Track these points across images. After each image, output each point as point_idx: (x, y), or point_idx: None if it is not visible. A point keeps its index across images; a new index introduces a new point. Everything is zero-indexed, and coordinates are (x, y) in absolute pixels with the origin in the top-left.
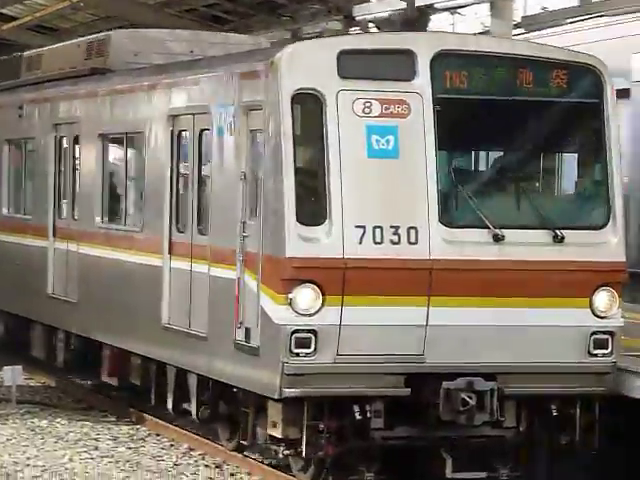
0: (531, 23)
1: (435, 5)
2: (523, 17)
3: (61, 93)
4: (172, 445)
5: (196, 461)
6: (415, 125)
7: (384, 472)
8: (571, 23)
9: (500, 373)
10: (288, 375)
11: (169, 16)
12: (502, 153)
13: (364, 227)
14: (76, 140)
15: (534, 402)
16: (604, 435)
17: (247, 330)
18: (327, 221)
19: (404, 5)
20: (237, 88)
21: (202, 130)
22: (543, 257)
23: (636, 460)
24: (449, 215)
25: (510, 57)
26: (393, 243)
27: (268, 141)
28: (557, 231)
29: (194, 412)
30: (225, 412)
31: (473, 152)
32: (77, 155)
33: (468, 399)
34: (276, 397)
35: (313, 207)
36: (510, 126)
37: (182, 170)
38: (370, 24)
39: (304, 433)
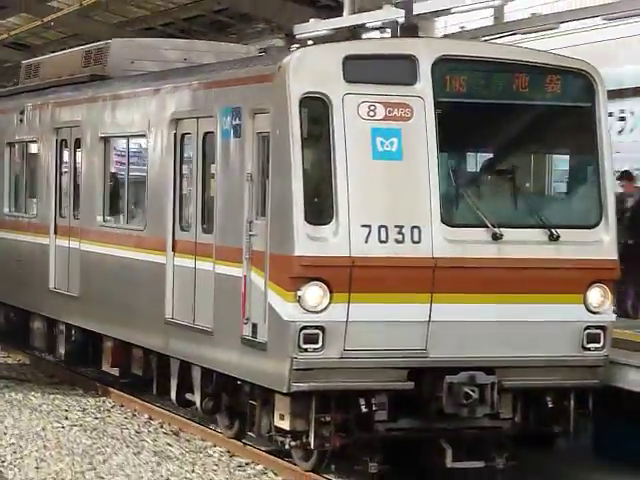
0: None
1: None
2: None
3: (62, 98)
4: (134, 415)
5: (156, 429)
6: (417, 128)
7: (386, 462)
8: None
9: (499, 367)
10: (297, 370)
11: (129, 33)
12: (500, 154)
13: (370, 227)
14: (77, 142)
15: (529, 394)
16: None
17: (254, 326)
18: (334, 221)
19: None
20: (243, 92)
21: (206, 133)
22: (539, 255)
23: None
24: (450, 215)
25: (507, 63)
26: (397, 242)
27: (276, 143)
28: (553, 230)
29: (198, 403)
30: (227, 403)
31: (472, 154)
32: (78, 157)
33: (471, 392)
34: (285, 391)
35: (320, 207)
36: (507, 129)
37: (185, 171)
38: (309, 41)
39: (312, 426)
